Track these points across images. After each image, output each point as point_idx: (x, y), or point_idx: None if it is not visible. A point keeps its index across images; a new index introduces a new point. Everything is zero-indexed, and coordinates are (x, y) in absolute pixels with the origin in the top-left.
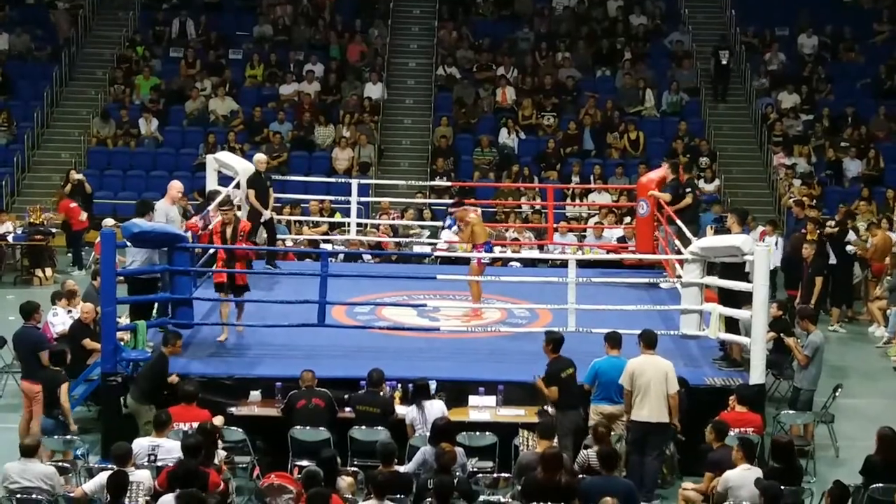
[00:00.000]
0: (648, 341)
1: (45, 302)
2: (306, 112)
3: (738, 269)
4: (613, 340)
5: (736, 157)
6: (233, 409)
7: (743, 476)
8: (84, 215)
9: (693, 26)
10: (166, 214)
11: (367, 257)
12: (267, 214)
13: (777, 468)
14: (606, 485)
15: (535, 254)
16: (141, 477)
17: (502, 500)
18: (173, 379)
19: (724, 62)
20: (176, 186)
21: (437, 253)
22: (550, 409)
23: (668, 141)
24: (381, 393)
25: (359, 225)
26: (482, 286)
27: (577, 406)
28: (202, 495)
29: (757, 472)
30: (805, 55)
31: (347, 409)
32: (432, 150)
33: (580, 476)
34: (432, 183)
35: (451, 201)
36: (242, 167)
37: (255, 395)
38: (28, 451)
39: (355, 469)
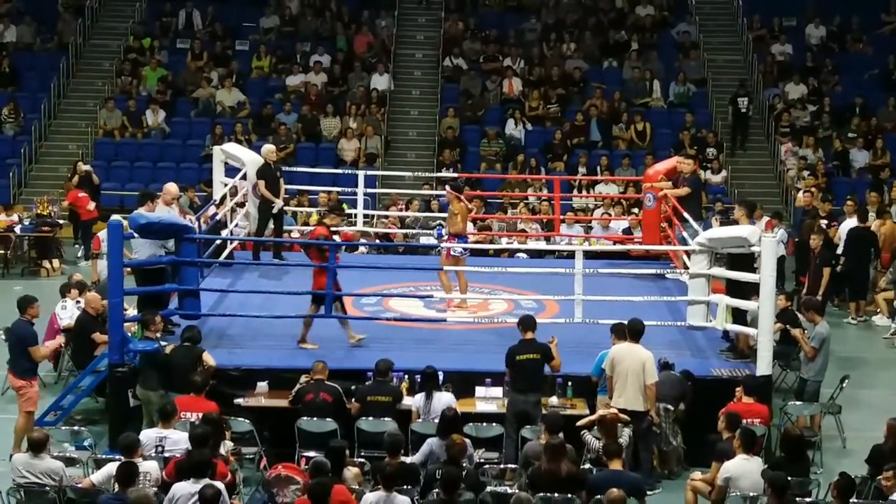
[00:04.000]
0: (632, 331)
1: (52, 293)
2: (313, 103)
3: (745, 261)
4: (620, 332)
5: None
6: (240, 400)
7: (742, 466)
8: (92, 205)
9: (700, 17)
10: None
11: (362, 248)
12: (279, 203)
13: (785, 459)
14: (614, 478)
15: (542, 245)
16: (149, 468)
17: (509, 490)
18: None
19: (744, 110)
20: (171, 192)
21: (443, 245)
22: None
23: (675, 132)
24: (390, 383)
25: (365, 216)
26: (467, 276)
27: (527, 392)
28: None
29: (756, 462)
30: (812, 46)
31: (354, 400)
32: (439, 142)
33: (588, 468)
34: (439, 174)
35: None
36: (249, 158)
37: (263, 385)
38: (35, 446)
39: (362, 460)
